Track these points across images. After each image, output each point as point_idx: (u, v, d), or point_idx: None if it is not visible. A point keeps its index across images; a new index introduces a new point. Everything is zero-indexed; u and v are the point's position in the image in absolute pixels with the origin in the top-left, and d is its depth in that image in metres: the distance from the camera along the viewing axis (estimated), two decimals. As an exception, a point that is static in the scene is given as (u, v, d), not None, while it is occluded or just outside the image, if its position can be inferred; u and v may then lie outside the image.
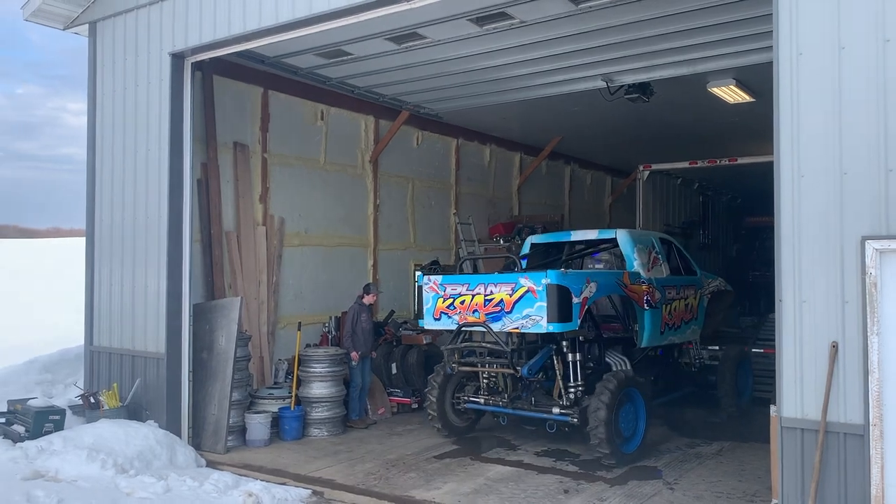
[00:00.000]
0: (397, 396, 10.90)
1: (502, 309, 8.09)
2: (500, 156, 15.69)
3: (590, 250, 10.35)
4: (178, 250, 8.85)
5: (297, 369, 9.64)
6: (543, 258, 10.28)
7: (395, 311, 12.10)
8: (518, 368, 8.24)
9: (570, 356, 8.38)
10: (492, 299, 8.18)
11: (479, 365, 8.79)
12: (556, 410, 8.26)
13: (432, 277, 8.80)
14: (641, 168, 14.91)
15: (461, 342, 8.72)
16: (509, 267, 9.69)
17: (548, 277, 7.80)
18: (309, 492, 7.29)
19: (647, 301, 9.11)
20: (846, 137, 5.11)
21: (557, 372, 8.37)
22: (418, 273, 9.68)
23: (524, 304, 7.92)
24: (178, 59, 8.85)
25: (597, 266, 10.37)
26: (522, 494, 7.13)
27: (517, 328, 8.04)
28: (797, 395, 5.20)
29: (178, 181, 8.85)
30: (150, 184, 8.98)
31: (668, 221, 16.03)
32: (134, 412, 8.78)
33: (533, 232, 12.82)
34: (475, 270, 12.63)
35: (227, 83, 10.14)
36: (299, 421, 9.38)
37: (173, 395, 8.74)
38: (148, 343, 8.96)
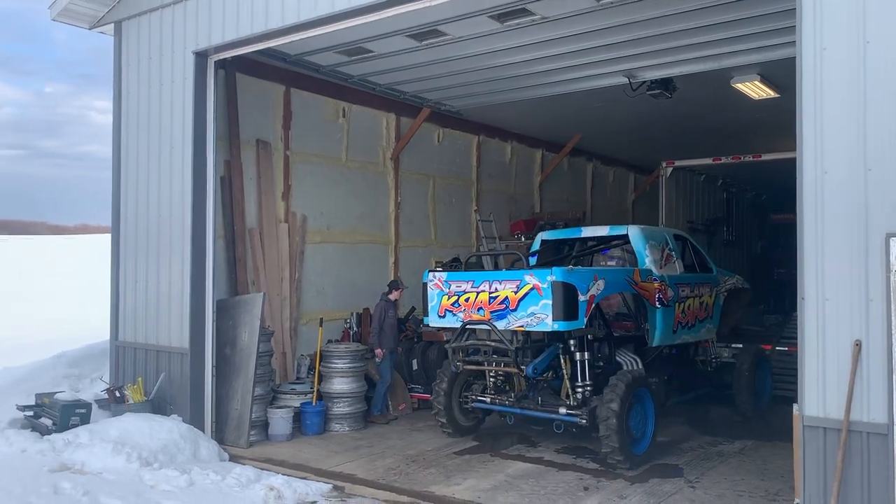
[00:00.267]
0: (418, 392, 10.94)
1: (507, 307, 7.95)
2: (521, 152, 15.66)
3: (601, 247, 10.16)
4: (202, 247, 8.95)
5: (319, 365, 9.72)
6: (554, 255, 10.13)
7: (416, 307, 12.14)
8: (523, 367, 8.11)
9: (577, 355, 8.24)
10: (496, 297, 8.04)
11: (485, 364, 8.66)
12: (562, 411, 8.14)
13: (437, 274, 8.69)
14: (664, 165, 14.79)
15: (465, 340, 8.61)
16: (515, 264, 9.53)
17: (553, 274, 7.64)
18: (330, 486, 7.35)
19: (659, 299, 8.92)
20: (871, 133, 5.03)
21: (564, 371, 8.24)
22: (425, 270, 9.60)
23: (529, 302, 7.78)
24: (201, 57, 8.94)
25: (609, 263, 10.18)
26: (542, 491, 7.13)
27: (522, 326, 7.92)
28: (819, 393, 5.14)
29: (201, 178, 8.94)
30: (174, 181, 9.09)
31: (691, 218, 15.87)
32: (158, 406, 8.91)
33: (554, 229, 12.76)
34: (496, 267, 12.61)
35: (249, 81, 10.23)
36: (321, 416, 9.45)
37: (197, 389, 8.84)
38: (172, 338, 9.07)
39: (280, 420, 9.13)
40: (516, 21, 8.60)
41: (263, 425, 9.15)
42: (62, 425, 8.31)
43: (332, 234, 11.45)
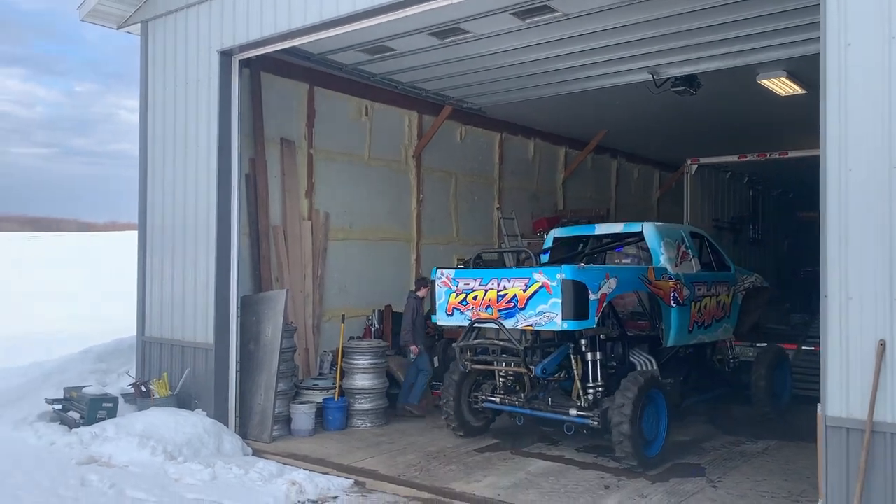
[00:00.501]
0: (439, 389, 10.95)
1: (515, 305, 7.75)
2: (544, 150, 15.62)
3: (614, 244, 9.90)
4: (227, 244, 9.05)
5: (341, 361, 9.79)
6: (567, 252, 9.91)
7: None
8: (531, 368, 7.91)
9: (588, 355, 8.02)
10: (505, 295, 7.84)
11: (494, 363, 8.52)
12: (573, 412, 7.93)
13: (445, 272, 8.52)
14: (689, 162, 14.67)
15: (474, 339, 8.43)
16: (524, 262, 9.33)
17: (562, 272, 7.42)
18: (351, 481, 7.41)
19: (674, 298, 8.69)
20: (896, 131, 4.96)
21: (575, 372, 8.03)
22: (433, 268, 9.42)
23: (538, 301, 7.57)
24: (226, 56, 9.04)
25: (623, 261, 9.94)
26: (563, 489, 7.13)
27: (531, 325, 7.70)
28: (843, 393, 5.09)
29: (226, 176, 9.04)
30: (200, 179, 9.20)
31: (716, 216, 15.73)
32: (183, 401, 9.03)
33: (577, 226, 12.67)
34: (519, 264, 12.59)
35: (274, 80, 10.32)
36: (343, 412, 9.52)
37: (221, 384, 8.95)
38: (197, 334, 9.19)
39: (303, 415, 9.21)
40: (538, 18, 8.58)
41: (286, 420, 9.24)
42: (89, 419, 8.47)
43: (355, 231, 11.52)
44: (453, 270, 8.57)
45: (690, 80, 10.84)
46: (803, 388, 10.49)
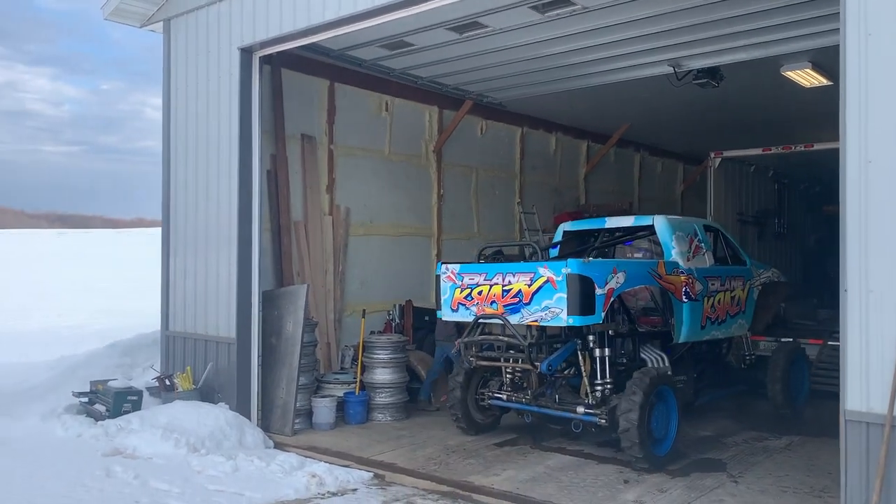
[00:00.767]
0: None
1: (520, 300, 7.60)
2: (566, 144, 15.56)
3: (626, 237, 9.68)
4: (248, 239, 9.15)
5: (362, 355, 9.85)
6: (577, 246, 9.72)
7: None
8: (537, 364, 7.76)
9: (596, 352, 7.83)
10: (510, 290, 7.70)
11: (500, 360, 8.36)
12: (580, 410, 7.75)
13: (450, 266, 8.40)
14: (713, 155, 14.54)
15: (478, 335, 8.26)
16: (532, 256, 9.09)
17: (568, 267, 7.26)
18: (371, 474, 7.47)
19: (686, 293, 8.48)
20: (917, 122, 4.88)
21: (583, 369, 7.85)
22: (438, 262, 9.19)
23: (543, 296, 7.41)
24: (246, 53, 9.12)
25: (635, 255, 9.77)
26: (581, 483, 7.12)
27: (536, 321, 7.56)
28: (863, 387, 5.03)
29: (247, 172, 9.13)
30: (221, 175, 9.30)
31: (741, 210, 15.57)
32: (206, 394, 9.15)
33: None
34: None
35: (294, 76, 10.39)
36: (363, 405, 9.58)
37: (243, 378, 9.05)
38: (220, 328, 9.30)
39: (324, 409, 9.28)
40: (557, 11, 8.55)
41: (308, 414, 9.32)
42: (115, 411, 8.62)
43: (376, 226, 11.57)
44: (458, 265, 8.41)
45: (713, 73, 10.73)
46: (829, 383, 10.31)
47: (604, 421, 7.59)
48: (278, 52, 9.33)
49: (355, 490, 7.07)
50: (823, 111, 13.05)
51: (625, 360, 8.39)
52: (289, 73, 10.28)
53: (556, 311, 7.34)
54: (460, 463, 7.81)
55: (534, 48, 9.94)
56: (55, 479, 6.91)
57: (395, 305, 11.52)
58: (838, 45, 8.44)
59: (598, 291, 7.38)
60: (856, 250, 5.10)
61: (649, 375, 7.55)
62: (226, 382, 9.12)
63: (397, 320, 11.35)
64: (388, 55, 10.31)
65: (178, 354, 9.86)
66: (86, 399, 9.13)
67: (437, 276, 8.50)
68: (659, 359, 8.51)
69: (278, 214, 10.15)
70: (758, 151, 14.11)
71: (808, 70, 10.75)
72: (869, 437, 5.01)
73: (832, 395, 9.78)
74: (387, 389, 9.71)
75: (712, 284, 9.02)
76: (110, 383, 9.15)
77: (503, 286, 7.78)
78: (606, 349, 7.87)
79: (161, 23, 10.13)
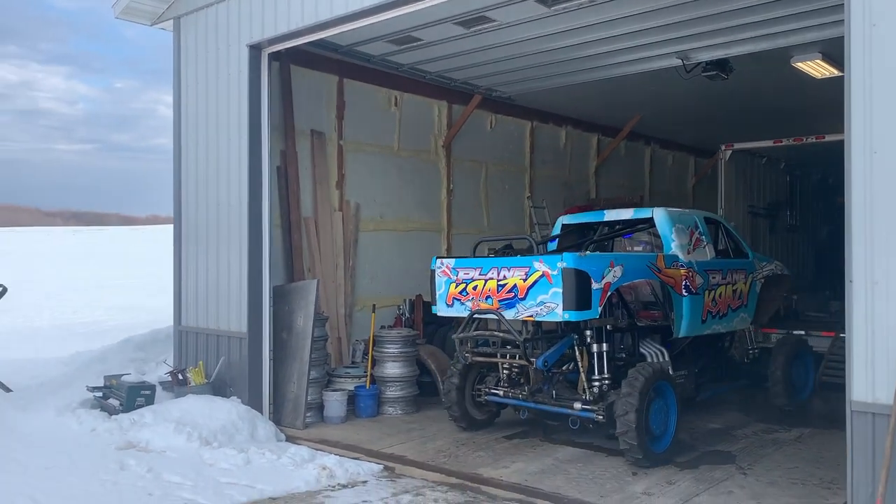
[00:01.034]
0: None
1: (516, 295, 7.48)
2: (576, 137, 15.54)
3: (625, 230, 9.47)
4: (259, 235, 9.22)
5: (372, 350, 9.92)
6: (576, 240, 9.59)
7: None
8: (532, 360, 7.62)
9: (594, 347, 7.71)
10: (505, 285, 7.58)
11: (496, 355, 8.23)
12: (577, 406, 7.65)
13: (445, 261, 8.29)
14: (723, 148, 14.46)
15: (473, 330, 8.13)
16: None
17: (563, 261, 7.12)
18: (381, 467, 7.54)
19: (686, 286, 8.29)
20: (923, 112, 4.86)
21: (580, 364, 7.75)
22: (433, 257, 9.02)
23: (538, 290, 7.29)
24: (255, 50, 9.18)
25: (635, 248, 9.55)
26: (590, 475, 7.15)
27: (531, 316, 7.42)
28: (868, 378, 5.03)
29: (257, 169, 9.20)
30: (232, 171, 9.38)
31: (752, 202, 15.49)
32: (218, 388, 9.24)
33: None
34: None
35: (304, 72, 10.45)
36: (374, 399, 9.65)
37: (255, 372, 9.14)
38: (231, 323, 9.39)
39: (335, 403, 9.36)
40: (564, 5, 8.54)
41: (319, 407, 9.40)
42: (128, 406, 8.73)
43: (385, 221, 11.62)
44: (453, 259, 8.35)
45: (722, 65, 10.67)
46: (840, 375, 10.23)
47: (601, 417, 7.48)
48: (287, 49, 9.37)
49: (365, 482, 7.14)
50: (835, 102, 12.95)
51: (624, 355, 8.25)
52: (298, 69, 10.34)
53: (551, 305, 7.22)
54: (470, 455, 7.87)
55: (541, 42, 9.95)
56: (70, 472, 7.02)
57: (405, 300, 11.57)
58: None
59: (595, 286, 7.25)
60: (861, 241, 5.10)
61: (644, 373, 7.37)
62: (238, 376, 9.22)
63: (407, 315, 11.41)
64: (396, 50, 10.35)
65: (190, 349, 9.96)
66: (100, 394, 9.24)
67: (432, 272, 8.39)
68: (659, 353, 8.37)
69: (288, 210, 10.22)
70: (769, 143, 14.00)
71: (818, 61, 10.68)
72: (875, 427, 5.01)
73: (843, 387, 9.79)
74: (397, 383, 9.77)
75: (713, 278, 8.85)
76: (124, 378, 9.27)
77: (498, 281, 7.67)
78: (604, 344, 7.77)
79: (171, 21, 10.21)
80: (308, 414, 9.14)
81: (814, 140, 13.28)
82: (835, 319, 12.60)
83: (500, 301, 7.67)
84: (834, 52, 10.27)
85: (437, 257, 8.52)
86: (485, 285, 7.82)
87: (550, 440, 8.46)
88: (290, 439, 8.65)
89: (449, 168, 12.65)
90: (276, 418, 9.13)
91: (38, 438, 8.15)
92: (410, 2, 7.71)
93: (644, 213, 8.98)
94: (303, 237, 10.40)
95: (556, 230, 9.80)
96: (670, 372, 8.04)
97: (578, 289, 7.11)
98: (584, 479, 7.05)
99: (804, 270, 16.66)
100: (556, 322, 7.68)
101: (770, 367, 9.56)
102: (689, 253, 8.64)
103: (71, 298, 26.79)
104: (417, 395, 10.01)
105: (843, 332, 10.84)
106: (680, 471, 7.27)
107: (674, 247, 8.55)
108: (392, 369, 9.79)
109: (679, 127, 16.57)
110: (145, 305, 21.99)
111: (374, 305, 10.45)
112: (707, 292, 8.71)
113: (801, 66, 10.94)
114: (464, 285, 8.05)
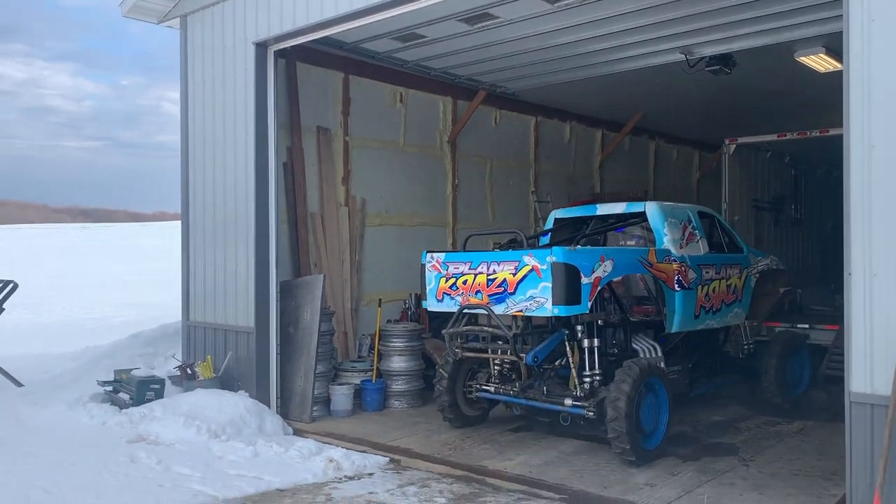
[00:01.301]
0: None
1: (505, 290, 7.42)
2: (580, 132, 15.58)
3: (617, 224, 9.40)
4: (265, 231, 9.32)
5: (378, 344, 10.01)
6: (568, 234, 9.49)
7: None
8: (522, 356, 7.52)
9: (585, 342, 7.60)
10: (494, 279, 7.52)
11: (487, 351, 8.11)
12: (568, 402, 7.52)
13: (435, 255, 8.21)
14: (727, 142, 14.47)
15: (463, 325, 8.04)
16: (515, 244, 8.82)
17: (553, 255, 7.06)
18: (387, 459, 7.64)
19: (679, 281, 8.20)
20: (921, 106, 4.91)
21: (571, 360, 7.65)
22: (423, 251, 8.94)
23: (528, 285, 7.23)
24: (261, 47, 9.26)
25: (628, 242, 9.49)
26: (594, 467, 7.23)
27: (521, 311, 7.36)
28: (867, 370, 5.10)
29: (263, 165, 9.30)
30: (238, 168, 9.48)
31: (756, 196, 15.50)
32: (226, 383, 9.36)
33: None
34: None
35: (309, 69, 10.52)
36: (380, 393, 9.75)
37: (262, 366, 9.25)
38: (238, 318, 9.50)
39: (341, 396, 9.46)
40: (567, 1, 8.59)
41: (326, 401, 9.50)
42: (138, 400, 8.85)
43: (391, 217, 11.70)
44: (443, 254, 8.28)
45: (725, 59, 10.69)
46: (844, 369, 10.29)
47: (591, 413, 7.38)
48: (293, 46, 9.45)
49: (371, 474, 7.24)
50: (840, 95, 12.94)
51: (615, 351, 8.17)
52: (303, 66, 10.42)
53: (540, 300, 7.17)
54: (475, 448, 7.95)
55: (545, 38, 9.99)
56: (81, 465, 7.14)
57: (410, 294, 11.64)
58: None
59: (584, 280, 7.18)
60: (859, 234, 5.16)
61: (638, 365, 7.34)
62: (245, 371, 9.33)
63: (413, 309, 11.49)
64: (401, 47, 10.42)
65: (198, 344, 10.08)
66: (110, 388, 9.37)
67: (422, 266, 8.34)
68: (651, 349, 8.31)
69: (295, 206, 10.31)
70: (773, 137, 14.00)
71: (822, 55, 10.70)
72: (874, 418, 5.07)
73: (840, 379, 9.79)
74: (403, 377, 9.87)
75: (706, 272, 8.77)
76: (133, 372, 9.39)
77: (488, 275, 7.61)
78: (595, 339, 7.66)
79: (178, 19, 10.30)
80: (315, 408, 9.24)
81: (818, 134, 13.29)
82: (839, 313, 12.59)
83: (489, 296, 7.60)
84: (837, 45, 10.09)
85: (427, 251, 8.42)
86: (475, 280, 7.76)
87: (555, 433, 8.51)
88: (298, 432, 8.76)
89: (454, 163, 12.72)
90: (284, 412, 9.24)
91: (50, 432, 8.29)
92: (412, -1, 7.79)
93: (636, 207, 8.87)
94: (309, 233, 10.49)
95: (549, 224, 9.74)
96: (663, 367, 8.01)
97: (568, 283, 7.05)
98: (588, 470, 7.13)
99: (809, 264, 16.66)
100: (547, 317, 7.58)
101: (763, 365, 9.52)
102: (681, 247, 8.55)
103: (80, 294, 26.98)
104: (423, 388, 10.10)
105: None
106: (682, 462, 7.35)
107: (666, 241, 8.48)
108: (398, 363, 9.88)
109: (683, 121, 16.59)
110: (154, 301, 22.14)
111: (380, 300, 10.55)
112: (700, 287, 8.63)
113: (804, 60, 10.96)
114: (454, 280, 7.99)
